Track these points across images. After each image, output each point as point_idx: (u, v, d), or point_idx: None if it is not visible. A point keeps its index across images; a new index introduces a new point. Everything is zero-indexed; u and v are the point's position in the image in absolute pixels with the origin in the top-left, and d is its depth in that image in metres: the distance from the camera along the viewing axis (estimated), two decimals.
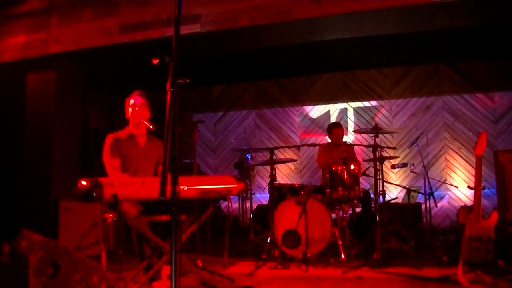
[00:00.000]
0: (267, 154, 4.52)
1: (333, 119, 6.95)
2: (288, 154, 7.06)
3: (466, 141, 6.33)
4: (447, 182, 6.27)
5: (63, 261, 2.46)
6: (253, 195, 5.74)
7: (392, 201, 5.48)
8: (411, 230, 4.79)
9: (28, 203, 5.18)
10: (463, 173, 6.34)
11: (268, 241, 4.15)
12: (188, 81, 1.83)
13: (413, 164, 5.72)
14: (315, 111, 7.14)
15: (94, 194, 2.36)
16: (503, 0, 3.98)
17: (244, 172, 6.41)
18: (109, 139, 3.34)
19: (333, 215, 4.37)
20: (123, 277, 2.92)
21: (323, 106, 7.10)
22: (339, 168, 4.27)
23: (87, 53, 5.00)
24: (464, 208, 3.41)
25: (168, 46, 1.80)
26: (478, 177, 3.31)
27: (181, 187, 2.70)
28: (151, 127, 3.40)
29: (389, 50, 5.88)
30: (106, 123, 6.10)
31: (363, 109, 6.92)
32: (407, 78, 6.73)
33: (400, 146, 6.55)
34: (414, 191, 5.33)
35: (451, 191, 6.29)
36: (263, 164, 6.11)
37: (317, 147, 5.56)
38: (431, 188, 4.75)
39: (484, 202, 3.37)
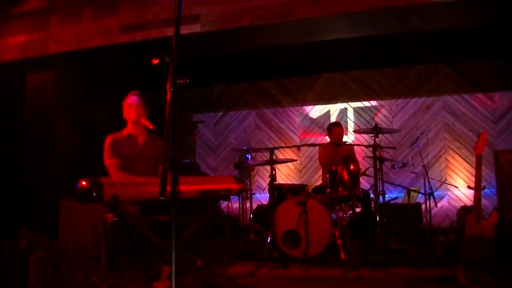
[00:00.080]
0: (267, 154, 4.52)
1: (333, 119, 6.95)
2: (288, 154, 7.06)
3: (466, 141, 6.33)
4: (447, 182, 6.27)
5: (63, 261, 2.46)
6: (253, 195, 5.74)
7: (392, 201, 5.48)
8: (411, 230, 4.79)
9: (28, 203, 5.18)
10: (463, 173, 6.34)
11: (268, 241, 4.15)
12: (188, 81, 1.83)
13: (413, 164, 5.73)
14: (315, 111, 7.14)
15: (94, 194, 2.36)
16: (503, 0, 3.98)
17: (244, 172, 6.41)
18: (108, 140, 3.37)
19: (333, 215, 4.37)
20: (123, 277, 2.91)
21: (323, 106, 7.10)
22: (339, 168, 4.27)
23: (87, 53, 5.00)
24: (464, 208, 3.41)
25: (168, 46, 1.80)
26: (478, 177, 3.31)
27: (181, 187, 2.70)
28: (150, 126, 3.41)
29: (389, 50, 5.88)
30: (106, 123, 6.09)
31: (363, 109, 6.92)
32: (407, 78, 6.73)
33: (400, 146, 6.55)
34: (414, 191, 5.33)
35: (451, 191, 6.29)
36: (263, 164, 6.11)
37: (317, 147, 5.56)
38: (431, 188, 4.76)
39: (484, 202, 3.37)
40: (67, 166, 5.33)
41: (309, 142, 6.72)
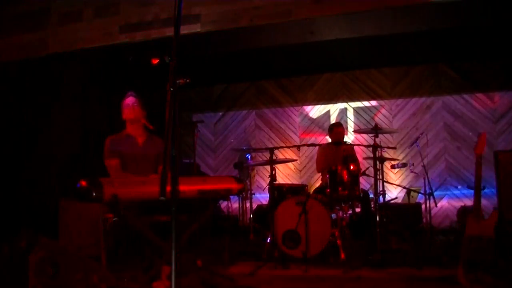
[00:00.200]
0: (267, 154, 4.52)
1: (333, 119, 6.95)
2: (288, 154, 7.06)
3: (466, 141, 6.33)
4: (447, 182, 6.27)
5: (63, 261, 2.46)
6: (253, 195, 5.74)
7: (392, 201, 5.48)
8: (411, 230, 4.79)
9: (28, 203, 5.18)
10: (463, 173, 6.34)
11: (268, 241, 4.15)
12: (188, 81, 1.83)
13: (413, 164, 5.72)
14: (315, 111, 7.14)
15: (94, 194, 2.36)
16: (503, 0, 3.98)
17: (244, 172, 6.41)
18: (108, 141, 3.40)
19: (333, 215, 4.37)
20: (123, 277, 2.91)
21: (323, 106, 7.10)
22: (339, 168, 4.27)
23: (87, 53, 5.00)
24: (464, 208, 3.42)
25: (168, 46, 1.80)
26: (478, 177, 3.31)
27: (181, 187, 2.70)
28: (150, 126, 3.42)
29: (389, 50, 5.88)
30: (106, 123, 6.09)
31: (363, 109, 6.92)
32: (407, 78, 6.73)
33: (400, 146, 6.55)
34: (414, 191, 5.33)
35: (451, 191, 6.29)
36: (263, 164, 6.10)
37: (317, 147, 5.56)
38: (431, 188, 4.75)
39: (484, 202, 3.36)
40: (67, 166, 5.33)
41: (309, 142, 6.72)
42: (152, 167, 3.49)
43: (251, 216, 5.42)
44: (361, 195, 4.42)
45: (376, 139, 4.22)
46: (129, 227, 3.00)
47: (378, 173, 4.15)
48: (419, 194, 5.24)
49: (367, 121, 6.78)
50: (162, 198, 1.68)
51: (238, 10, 4.33)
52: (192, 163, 5.44)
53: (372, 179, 4.13)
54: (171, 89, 1.77)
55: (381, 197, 4.36)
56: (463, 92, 6.44)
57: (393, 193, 6.27)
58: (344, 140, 5.29)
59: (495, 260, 3.10)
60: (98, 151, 3.42)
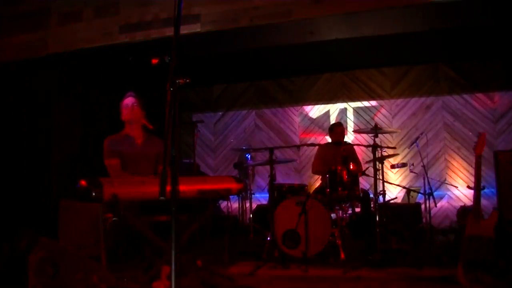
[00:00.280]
0: (266, 154, 4.52)
1: (332, 119, 6.95)
2: (288, 154, 7.06)
3: (466, 141, 6.33)
4: (446, 182, 6.27)
5: (63, 261, 2.47)
6: (252, 195, 5.75)
7: (392, 201, 5.48)
8: (411, 230, 4.79)
9: (28, 203, 5.18)
10: (462, 173, 6.34)
11: (268, 241, 4.15)
12: (188, 81, 1.83)
13: (412, 164, 5.72)
14: (315, 111, 7.14)
15: (94, 194, 2.36)
16: (503, 0, 3.98)
17: (243, 172, 6.41)
18: (107, 141, 3.39)
19: (333, 215, 4.37)
20: (123, 277, 2.91)
21: (322, 106, 7.10)
22: (339, 168, 4.27)
23: (86, 53, 5.00)
24: (464, 208, 3.42)
25: (168, 46, 1.80)
26: (477, 177, 3.32)
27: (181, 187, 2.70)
28: (150, 126, 3.42)
29: (389, 50, 5.88)
30: (106, 123, 6.09)
31: (363, 109, 6.92)
32: (407, 78, 6.73)
33: (400, 146, 6.55)
34: (414, 191, 5.33)
35: (451, 191, 6.29)
36: (262, 164, 6.09)
37: (316, 147, 5.56)
38: (430, 188, 4.75)
39: (484, 202, 3.36)
40: (67, 166, 5.33)
41: (308, 142, 6.72)
42: (151, 167, 3.49)
43: (251, 216, 5.42)
44: (361, 195, 4.42)
45: (376, 139, 4.22)
46: (129, 227, 3.00)
47: (377, 173, 4.15)
48: (419, 194, 5.24)
49: (367, 121, 6.78)
50: (162, 198, 1.68)
51: (238, 10, 4.33)
52: (192, 163, 5.44)
53: (372, 179, 4.14)
54: (171, 89, 1.77)
55: (381, 197, 4.35)
56: (463, 92, 6.44)
57: (393, 193, 6.27)
58: (344, 140, 5.29)
59: (495, 260, 3.11)
60: (98, 151, 3.42)
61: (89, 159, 5.50)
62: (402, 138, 6.61)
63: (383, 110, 6.81)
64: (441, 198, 6.27)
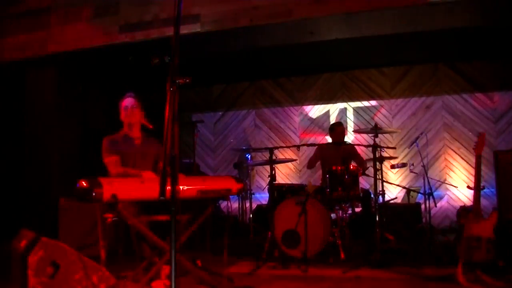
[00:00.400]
0: (266, 154, 4.52)
1: (332, 119, 6.95)
2: (288, 154, 7.06)
3: (465, 141, 6.33)
4: (446, 182, 6.28)
5: (63, 261, 2.46)
6: (252, 195, 5.74)
7: (392, 201, 5.48)
8: (411, 230, 4.79)
9: (28, 203, 5.18)
10: (462, 173, 6.34)
11: (268, 241, 4.15)
12: (187, 81, 1.83)
13: (412, 164, 5.72)
14: (315, 111, 7.14)
15: (94, 194, 2.36)
16: (503, 0, 3.98)
17: (243, 172, 6.41)
18: (105, 141, 3.39)
19: (333, 215, 4.37)
20: (123, 277, 2.91)
21: (322, 106, 7.10)
22: (339, 168, 4.27)
23: (86, 53, 5.00)
24: (464, 208, 3.42)
25: (167, 46, 1.80)
26: (477, 177, 3.32)
27: (181, 187, 2.71)
28: (150, 126, 3.42)
29: (389, 50, 5.88)
30: (106, 123, 6.09)
31: (363, 109, 6.92)
32: (407, 78, 6.73)
33: (400, 146, 6.55)
34: (414, 191, 5.33)
35: (451, 191, 6.29)
36: (262, 164, 6.11)
37: (316, 147, 5.56)
38: (430, 188, 4.75)
39: (484, 202, 3.37)
40: (67, 166, 5.33)
41: (308, 142, 6.72)
42: (150, 167, 3.49)
43: (251, 216, 5.42)
44: (361, 195, 4.42)
45: (376, 139, 4.22)
46: (129, 227, 3.00)
47: (377, 173, 4.15)
48: (419, 194, 5.24)
49: (367, 121, 6.78)
50: (162, 198, 1.68)
51: (237, 10, 4.34)
52: (192, 163, 5.44)
53: (372, 179, 4.14)
54: (171, 89, 1.77)
55: (380, 197, 4.36)
56: (463, 92, 6.44)
57: (393, 193, 6.27)
58: (344, 140, 5.29)
59: (495, 260, 3.11)
60: (98, 151, 3.42)
61: (89, 159, 5.50)
62: (402, 138, 6.61)
63: (383, 110, 6.81)
64: (441, 198, 6.27)
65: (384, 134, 6.42)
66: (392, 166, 5.30)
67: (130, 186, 2.58)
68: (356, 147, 5.34)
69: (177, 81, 1.79)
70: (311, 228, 3.91)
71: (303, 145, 5.33)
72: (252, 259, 4.06)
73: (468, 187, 3.62)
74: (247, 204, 5.74)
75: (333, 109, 7.06)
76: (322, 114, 7.10)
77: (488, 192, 5.46)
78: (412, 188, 5.43)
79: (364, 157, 5.35)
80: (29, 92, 5.42)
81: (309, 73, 7.09)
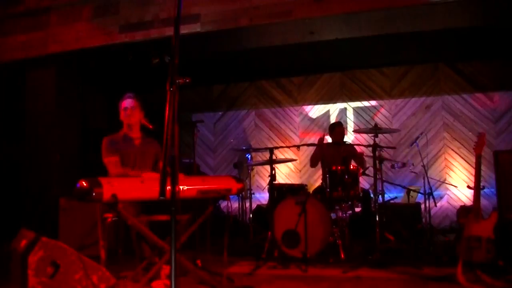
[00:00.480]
0: (266, 154, 4.52)
1: (332, 119, 6.95)
2: (288, 153, 7.06)
3: (465, 141, 6.33)
4: (446, 182, 6.28)
5: (63, 261, 2.46)
6: (252, 195, 5.74)
7: (392, 201, 5.48)
8: (410, 230, 4.79)
9: (28, 203, 5.18)
10: (462, 173, 6.34)
11: (268, 240, 4.15)
12: (187, 80, 1.83)
13: (412, 164, 5.73)
14: (315, 111, 7.14)
15: (94, 194, 2.35)
16: (503, 0, 3.98)
17: (243, 172, 6.41)
18: (105, 141, 3.39)
19: (333, 215, 4.37)
20: (123, 277, 2.91)
21: (322, 106, 7.10)
22: (339, 168, 4.27)
23: (86, 53, 5.00)
24: (464, 208, 3.42)
25: (167, 46, 1.80)
26: (477, 176, 3.32)
27: (181, 187, 2.71)
28: (150, 126, 3.43)
29: (389, 50, 5.89)
30: (106, 123, 6.09)
31: (363, 109, 6.92)
32: (407, 77, 6.73)
33: (400, 146, 6.55)
34: (414, 190, 5.33)
35: (451, 190, 6.29)
36: (262, 164, 6.11)
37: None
38: (430, 188, 4.76)
39: (483, 202, 3.37)
40: (67, 166, 5.33)
41: (308, 142, 6.72)
42: (150, 167, 3.49)
43: (251, 216, 5.42)
44: (361, 195, 4.42)
45: (376, 139, 4.22)
46: (129, 227, 3.00)
47: (377, 173, 4.15)
48: (419, 194, 5.24)
49: (367, 121, 6.78)
50: (162, 198, 1.68)
51: (237, 9, 4.34)
52: (192, 163, 5.43)
53: (372, 179, 4.14)
54: (171, 89, 1.77)
55: (380, 197, 4.36)
56: (462, 92, 6.44)
57: (393, 192, 6.27)
58: (344, 140, 5.29)
59: (495, 260, 3.11)
60: (98, 151, 3.42)
61: (89, 159, 5.51)
62: (402, 138, 6.61)
63: (383, 110, 6.82)
64: (441, 198, 6.27)
65: (384, 134, 6.42)
66: (392, 166, 5.30)
67: (130, 186, 2.58)
68: (356, 147, 5.34)
69: (177, 81, 1.79)
70: (311, 228, 3.91)
71: (303, 145, 5.33)
72: (252, 259, 4.06)
73: (468, 186, 3.63)
74: (247, 204, 5.73)
75: (333, 109, 7.06)
76: (322, 114, 7.10)
77: (488, 192, 5.47)
78: (412, 188, 5.43)
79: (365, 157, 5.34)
80: (29, 92, 5.42)
81: (309, 73, 7.09)
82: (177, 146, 1.75)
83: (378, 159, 4.31)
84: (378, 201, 4.13)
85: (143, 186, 2.60)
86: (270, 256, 4.03)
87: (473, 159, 3.43)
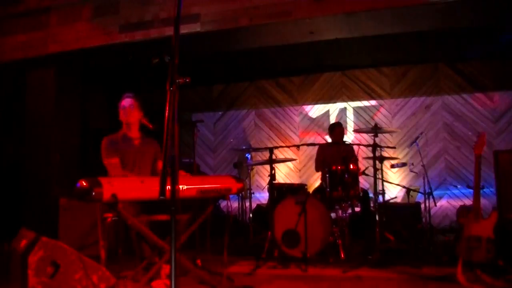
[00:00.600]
0: (266, 154, 4.52)
1: (332, 118, 6.96)
2: (288, 153, 7.06)
3: (465, 141, 6.34)
4: (446, 181, 6.28)
5: (63, 261, 2.47)
6: (252, 195, 5.74)
7: (392, 201, 5.48)
8: (410, 229, 4.79)
9: (28, 203, 5.18)
10: (462, 172, 6.34)
11: (268, 240, 4.15)
12: (187, 80, 1.83)
13: (412, 164, 5.73)
14: (315, 110, 7.14)
15: (94, 194, 2.36)
16: (503, 0, 3.98)
17: (243, 171, 6.41)
18: (105, 141, 3.39)
19: (333, 215, 4.37)
20: (123, 277, 2.91)
21: (322, 105, 7.11)
22: (339, 168, 4.27)
23: (86, 53, 5.01)
24: (464, 208, 3.42)
25: (167, 46, 1.80)
26: (477, 176, 3.32)
27: (181, 187, 2.71)
28: (150, 126, 3.43)
29: (389, 49, 5.89)
30: (106, 123, 6.09)
31: (363, 108, 6.92)
32: (407, 77, 6.73)
33: (400, 145, 6.55)
34: (414, 190, 5.33)
35: (451, 190, 6.29)
36: (262, 163, 6.11)
37: (316, 147, 5.56)
38: (430, 188, 4.76)
39: (483, 202, 3.37)
40: (67, 166, 5.34)
41: (308, 142, 6.72)
42: (150, 165, 3.49)
43: (251, 215, 5.42)
44: (361, 195, 4.43)
45: (376, 139, 4.22)
46: (129, 226, 3.00)
47: (377, 172, 4.15)
48: (419, 194, 5.24)
49: (367, 121, 6.78)
50: (161, 197, 1.68)
51: (237, 9, 4.34)
52: (192, 163, 5.43)
53: (372, 179, 4.14)
54: (171, 88, 1.77)
55: (380, 197, 4.36)
56: (462, 92, 6.45)
57: (393, 192, 6.27)
58: (344, 140, 5.29)
59: (495, 259, 3.11)
60: (98, 151, 3.42)
61: (89, 159, 5.51)
62: (402, 138, 6.61)
63: (383, 110, 6.82)
64: (441, 197, 6.27)
65: (384, 134, 6.42)
66: (392, 166, 5.30)
67: (130, 185, 2.58)
68: (356, 146, 5.34)
69: (177, 81, 1.79)
70: (311, 227, 3.91)
71: (303, 144, 5.33)
72: (252, 259, 4.06)
73: (468, 186, 3.63)
74: (247, 204, 5.73)
75: (333, 109, 7.06)
76: (322, 114, 7.10)
77: (488, 192, 5.46)
78: (412, 188, 5.43)
79: (364, 156, 5.35)
80: (29, 92, 5.42)
81: (309, 73, 7.10)
82: (177, 146, 1.75)
83: (378, 159, 4.31)
84: (378, 201, 4.13)
85: (143, 186, 2.60)
86: (270, 256, 4.03)
87: (473, 159, 3.43)
